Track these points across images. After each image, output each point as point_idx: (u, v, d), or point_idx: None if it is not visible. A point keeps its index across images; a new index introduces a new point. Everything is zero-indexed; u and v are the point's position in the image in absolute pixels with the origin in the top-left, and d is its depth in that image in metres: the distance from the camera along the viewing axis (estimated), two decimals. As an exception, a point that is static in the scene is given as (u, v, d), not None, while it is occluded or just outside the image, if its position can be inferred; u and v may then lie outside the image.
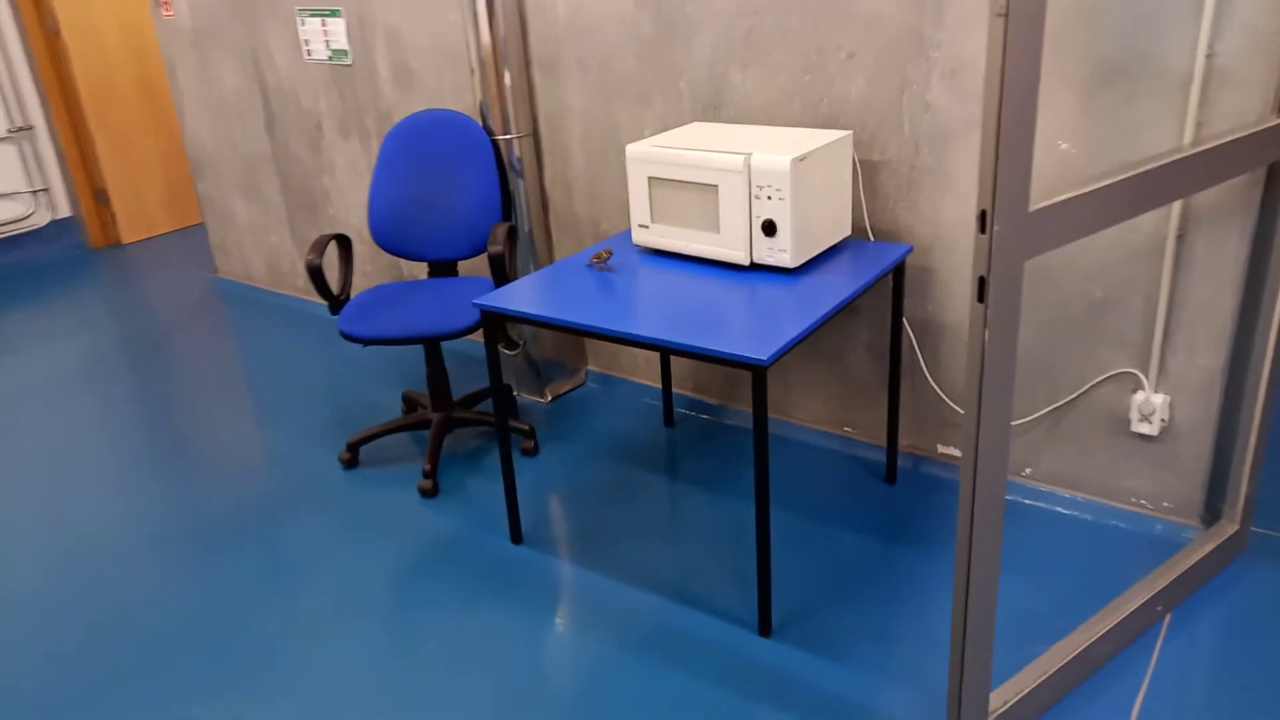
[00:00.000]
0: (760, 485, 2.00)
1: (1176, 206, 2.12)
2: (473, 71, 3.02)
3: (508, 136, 3.09)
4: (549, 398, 3.31)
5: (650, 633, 2.18)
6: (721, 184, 2.26)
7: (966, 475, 1.54)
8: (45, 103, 5.40)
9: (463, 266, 3.61)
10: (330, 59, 3.69)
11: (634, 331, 2.03)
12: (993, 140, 1.32)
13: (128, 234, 5.69)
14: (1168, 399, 2.28)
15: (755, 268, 2.33)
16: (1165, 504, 2.38)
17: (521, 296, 2.29)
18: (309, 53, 3.76)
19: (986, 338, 1.42)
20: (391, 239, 3.07)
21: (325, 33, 3.67)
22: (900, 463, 2.73)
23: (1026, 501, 2.52)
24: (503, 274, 2.75)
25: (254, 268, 4.62)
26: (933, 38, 2.30)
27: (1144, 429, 2.32)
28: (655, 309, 2.14)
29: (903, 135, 2.43)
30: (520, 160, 3.12)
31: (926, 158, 2.42)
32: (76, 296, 4.75)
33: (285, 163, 4.13)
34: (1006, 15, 1.25)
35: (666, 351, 2.01)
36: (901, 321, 2.55)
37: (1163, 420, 2.30)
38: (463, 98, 3.34)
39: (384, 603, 2.35)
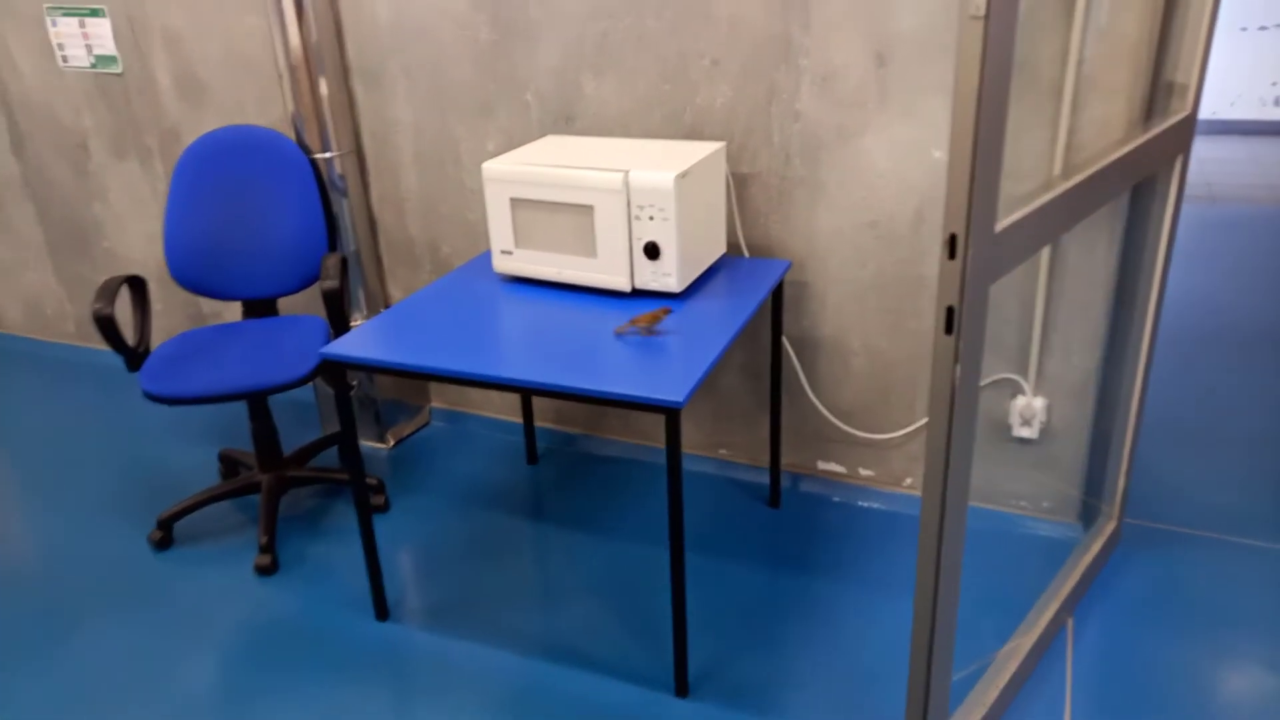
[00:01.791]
0: (675, 532, 1.81)
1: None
2: (280, 77, 2.65)
3: (328, 155, 2.74)
4: (391, 442, 2.98)
5: (555, 707, 1.95)
6: (598, 204, 2.06)
7: (931, 519, 1.43)
8: None
9: (284, 304, 3.19)
10: (94, 67, 3.16)
11: (527, 377, 1.79)
12: (967, 155, 1.20)
13: None
14: (1046, 402, 2.30)
15: (637, 294, 2.15)
16: (1045, 504, 2.41)
17: (375, 341, 1.99)
18: (65, 59, 3.20)
19: (957, 374, 1.31)
20: (195, 276, 2.64)
21: (85, 36, 3.13)
22: (781, 483, 2.64)
23: (909, 513, 2.49)
24: (339, 312, 2.42)
25: (6, 312, 3.93)
26: (801, 44, 2.21)
27: (1025, 433, 2.33)
28: (538, 347, 1.91)
29: (772, 146, 2.33)
30: (343, 180, 2.78)
31: (798, 168, 2.32)
32: None
33: (41, 188, 3.52)
34: (986, 18, 1.13)
35: (566, 397, 1.78)
36: (781, 339, 2.45)
37: (1042, 423, 2.32)
38: (267, 112, 2.94)
39: None
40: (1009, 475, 2.42)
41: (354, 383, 2.89)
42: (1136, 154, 1.73)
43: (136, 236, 3.41)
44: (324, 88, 2.67)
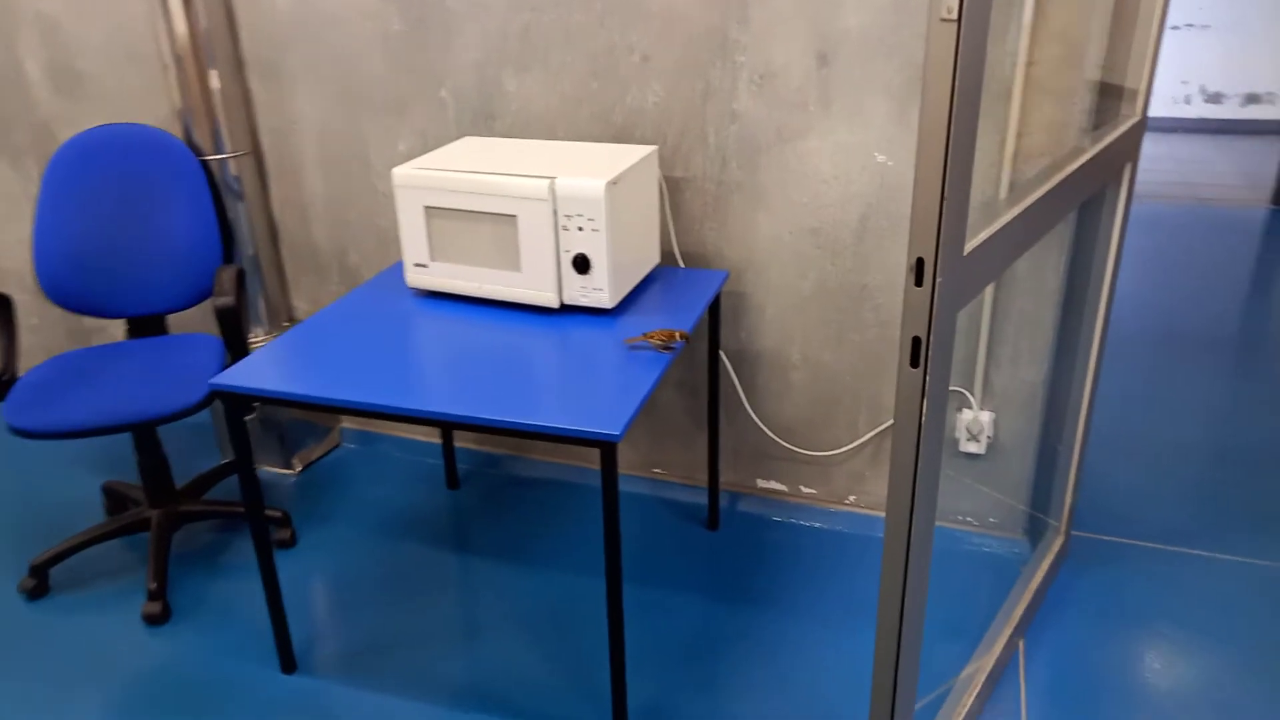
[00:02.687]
0: (611, 571, 1.66)
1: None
2: (166, 69, 2.40)
3: (221, 156, 2.50)
4: (298, 468, 2.75)
5: (485, 768, 1.78)
6: (521, 214, 1.89)
7: (895, 561, 1.30)
8: None
9: (176, 321, 2.93)
10: (-45, 56, 2.83)
11: (448, 410, 1.61)
12: (937, 170, 1.07)
13: None
14: (993, 415, 2.22)
15: (566, 310, 1.98)
16: (991, 520, 2.33)
17: (274, 368, 1.78)
18: (-78, 47, 2.87)
19: (925, 408, 1.18)
20: (71, 292, 2.37)
21: (-56, 22, 2.81)
22: (720, 503, 2.50)
23: (853, 532, 2.38)
24: (236, 331, 2.19)
25: None
26: (738, 40, 2.07)
27: (972, 448, 2.24)
28: (460, 373, 1.73)
29: (708, 148, 2.18)
30: (240, 183, 2.54)
31: (735, 172, 2.19)
32: None
33: (-102, 190, 3.16)
34: (959, 21, 1.00)
35: (492, 430, 1.61)
36: (719, 354, 2.32)
37: (989, 437, 2.23)
38: (153, 108, 2.67)
39: (114, 792, 1.75)
40: (956, 491, 2.33)
41: (254, 404, 2.65)
42: (1095, 161, 1.64)
43: (6, 244, 3.09)
44: (215, 81, 2.43)
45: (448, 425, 1.62)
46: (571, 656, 2.02)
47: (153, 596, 2.17)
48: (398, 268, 2.25)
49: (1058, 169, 1.52)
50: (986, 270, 1.29)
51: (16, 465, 2.79)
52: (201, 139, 2.47)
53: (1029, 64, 1.91)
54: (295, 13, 2.40)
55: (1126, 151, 1.83)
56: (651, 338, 1.78)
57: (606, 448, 1.55)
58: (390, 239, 2.59)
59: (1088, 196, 1.71)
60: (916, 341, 1.15)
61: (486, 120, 2.35)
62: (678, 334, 1.77)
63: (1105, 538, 2.33)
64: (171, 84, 2.41)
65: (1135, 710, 1.84)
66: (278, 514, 2.42)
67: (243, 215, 2.58)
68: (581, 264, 1.89)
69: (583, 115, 2.26)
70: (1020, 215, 1.36)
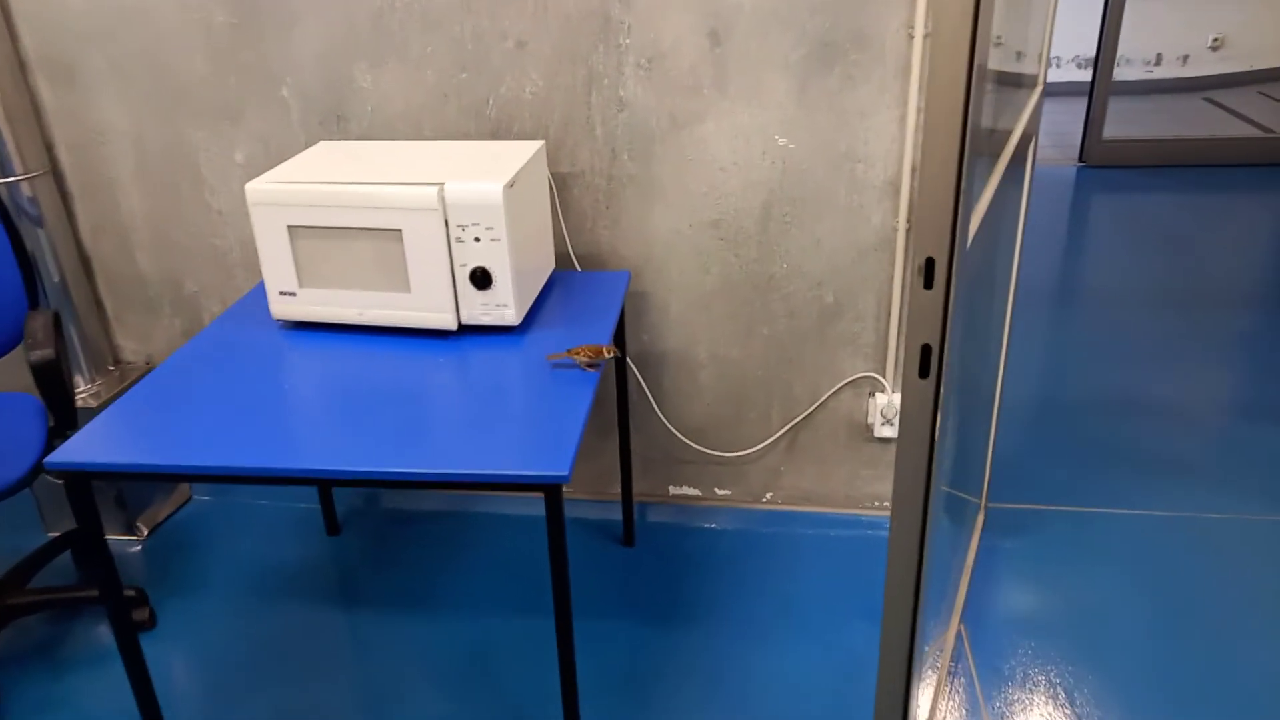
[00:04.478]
0: (562, 619, 1.48)
1: (904, 197, 1.98)
2: (-69, 83, 1.98)
3: (10, 178, 2.10)
4: (144, 532, 2.38)
5: None
6: (407, 227, 1.65)
7: (902, 603, 1.19)
8: None
9: (-41, 369, 2.47)
10: None
11: (348, 466, 1.37)
12: (951, 159, 0.95)
13: None
14: (906, 398, 2.17)
15: (465, 330, 1.76)
16: (909, 501, 2.30)
17: (126, 435, 1.48)
18: None
19: (938, 424, 1.07)
20: None
21: None
22: (633, 515, 2.36)
23: (773, 530, 2.29)
24: (59, 388, 1.83)
25: None
26: (621, 21, 1.90)
27: (887, 432, 2.20)
28: (350, 417, 1.49)
29: (595, 140, 2.01)
30: (37, 209, 2.15)
31: (627, 164, 2.03)
32: None
33: None
34: (983, -13, 0.88)
35: (402, 484, 1.38)
36: (625, 360, 2.16)
37: (904, 420, 2.19)
38: (-88, 123, 2.21)
39: None
40: (871, 476, 2.29)
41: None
42: (1026, 130, 1.60)
43: None
44: (-5, 90, 2.03)
45: (352, 484, 1.39)
46: (508, 708, 1.83)
47: (-16, 717, 1.80)
48: (255, 296, 1.95)
49: (999, 145, 1.46)
50: (978, 258, 1.20)
51: None
52: (-16, 159, 2.06)
53: (926, 34, 1.85)
54: (89, 6, 2.03)
55: (1036, 118, 1.81)
56: (577, 354, 1.60)
57: (552, 491, 1.36)
58: (231, 261, 2.26)
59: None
60: (926, 350, 1.04)
61: (338, 121, 2.08)
62: (605, 350, 1.60)
63: (1018, 506, 2.35)
64: (-63, 95, 2.00)
65: (1083, 675, 1.85)
66: (131, 592, 2.08)
67: (45, 246, 2.19)
68: (481, 278, 1.68)
69: (451, 110, 2.03)
70: (993, 198, 1.28)
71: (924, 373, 1.05)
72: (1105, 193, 4.61)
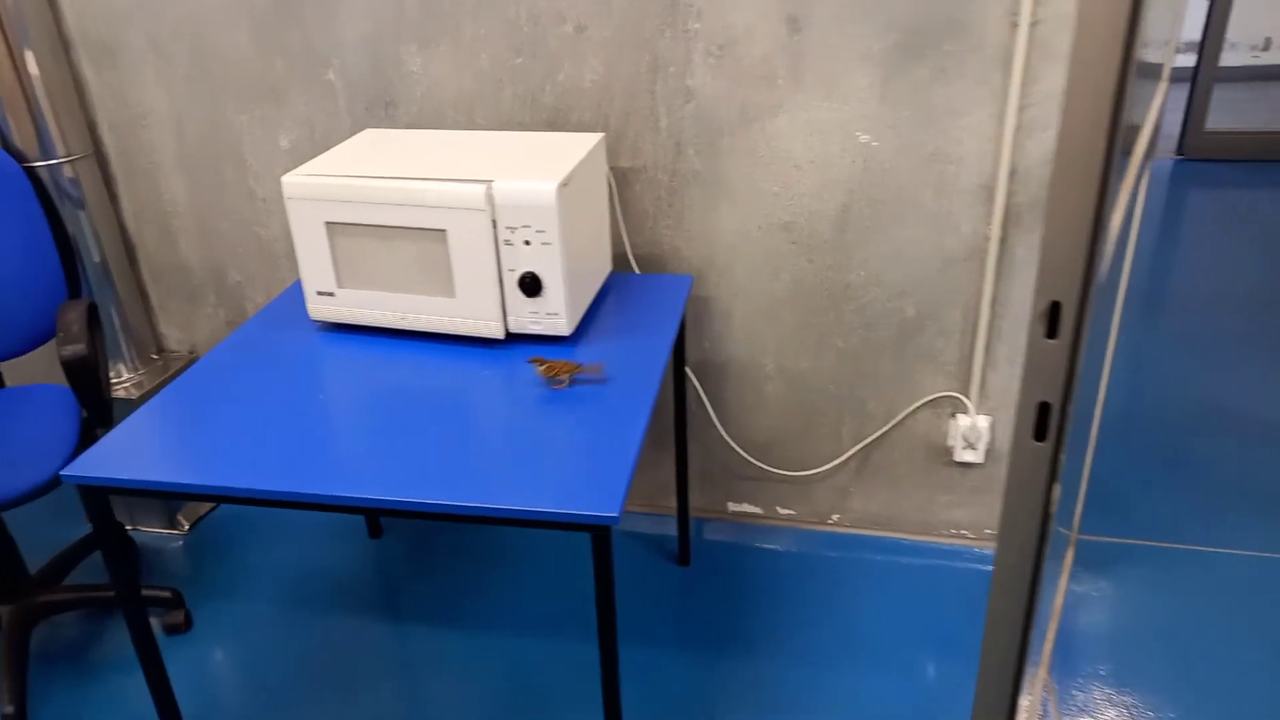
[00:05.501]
0: (608, 668, 1.35)
1: (999, 203, 1.79)
2: (-29, 62, 1.91)
3: (52, 161, 2.02)
4: (185, 526, 2.32)
5: None
6: (453, 228, 1.52)
7: (1002, 668, 1.03)
8: None
9: (10, 368, 2.42)
10: None
11: (384, 495, 1.25)
12: (1093, 180, 0.78)
13: None
14: (991, 420, 1.99)
15: (514, 340, 1.63)
16: (988, 531, 2.12)
17: (149, 447, 1.38)
18: None
19: (1055, 495, 0.91)
20: None
21: None
22: (689, 533, 2.21)
23: (839, 555, 2.13)
24: (91, 385, 1.75)
25: None
26: (690, 4, 1.74)
27: (968, 456, 2.02)
28: (393, 436, 1.37)
29: (659, 133, 1.86)
30: (79, 193, 2.07)
31: (692, 160, 1.87)
32: None
33: None
34: (1148, -25, 0.71)
35: (442, 517, 1.26)
36: (684, 370, 2.01)
37: (987, 445, 2.01)
38: (-42, 101, 2.15)
39: None
40: (947, 502, 2.11)
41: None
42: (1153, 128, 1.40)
43: None
44: (34, 67, 1.95)
45: (389, 514, 1.27)
46: (545, 746, 1.71)
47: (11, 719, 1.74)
48: (294, 291, 1.85)
49: (1129, 149, 1.27)
50: (1105, 295, 1.02)
51: None
52: (24, 141, 1.99)
53: (1033, 23, 1.65)
54: (134, -20, 1.94)
55: (1160, 116, 1.61)
56: (539, 363, 1.46)
57: (599, 534, 1.22)
58: (276, 252, 2.16)
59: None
60: (1045, 409, 0.87)
61: (386, 107, 1.96)
62: (592, 369, 1.47)
63: (1114, 540, 2.15)
64: (-21, 74, 1.92)
65: (1183, 747, 1.66)
66: (166, 593, 2.01)
67: (87, 230, 2.11)
68: (531, 285, 1.54)
69: (505, 98, 1.89)
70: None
71: (1040, 435, 0.89)
72: (1205, 188, 4.29)
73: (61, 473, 1.34)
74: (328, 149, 2.00)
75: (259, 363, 1.59)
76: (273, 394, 1.49)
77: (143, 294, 2.28)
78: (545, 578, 2.10)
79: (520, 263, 1.53)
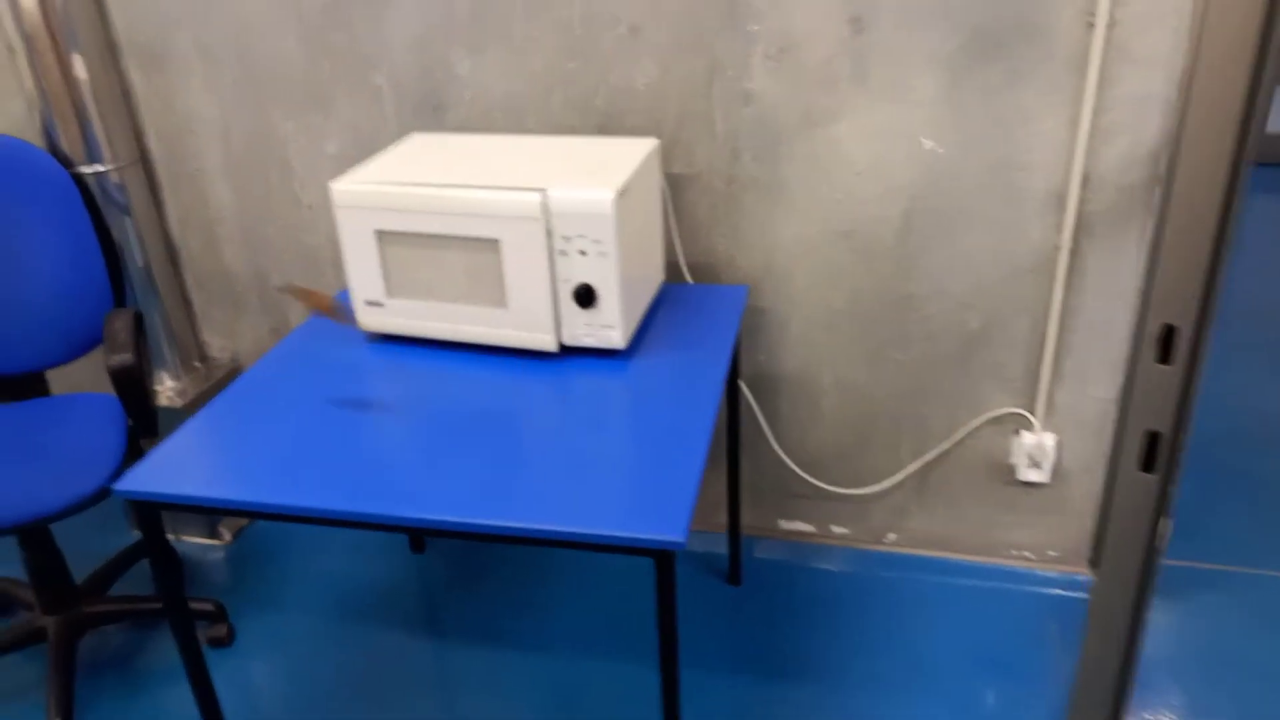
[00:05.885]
0: (669, 700, 1.29)
1: (1071, 212, 1.71)
2: (13, 55, 1.89)
3: (99, 167, 2.01)
4: (227, 537, 2.29)
5: None
6: (505, 237, 1.48)
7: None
8: None
9: (56, 375, 2.41)
10: None
11: (437, 516, 1.21)
12: (1218, 188, 0.72)
13: None
14: (1057, 438, 1.91)
15: (568, 352, 1.58)
16: (1051, 553, 2.04)
17: (198, 462, 1.35)
18: None
19: (1164, 529, 0.84)
20: (-85, 351, 1.87)
21: None
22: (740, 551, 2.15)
23: (895, 575, 2.06)
24: (140, 396, 1.73)
25: None
26: (751, 4, 1.68)
27: (1033, 476, 1.93)
28: (444, 453, 1.32)
29: (715, 138, 1.80)
30: (126, 199, 2.05)
31: (749, 165, 1.81)
32: None
33: None
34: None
35: (495, 538, 1.21)
36: (738, 383, 1.95)
37: (1053, 464, 1.93)
38: (5, 110, 2.15)
39: None
40: (1010, 522, 2.03)
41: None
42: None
43: None
44: (82, 71, 1.93)
45: (431, 533, 1.23)
46: (594, 772, 1.66)
47: (55, 737, 1.72)
48: (341, 300, 1.81)
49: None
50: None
51: None
52: (70, 146, 1.97)
53: (1110, 24, 1.57)
54: (182, -16, 1.92)
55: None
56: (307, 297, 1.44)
57: (663, 558, 1.17)
58: (322, 259, 2.13)
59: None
60: (1154, 439, 0.81)
61: (434, 111, 1.92)
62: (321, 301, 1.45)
63: (1193, 564, 2.06)
64: (24, 79, 1.91)
65: (1269, 788, 1.57)
66: (209, 606, 1.98)
67: (132, 237, 2.10)
68: (585, 296, 1.49)
69: (556, 102, 1.85)
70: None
71: (1148, 465, 0.82)
72: (1270, 194, 4.15)
73: (114, 487, 1.31)
74: (374, 154, 1.97)
75: (306, 375, 1.55)
76: (320, 407, 1.45)
77: (186, 301, 2.26)
78: (593, 595, 2.04)
79: (575, 273, 1.48)
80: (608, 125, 1.84)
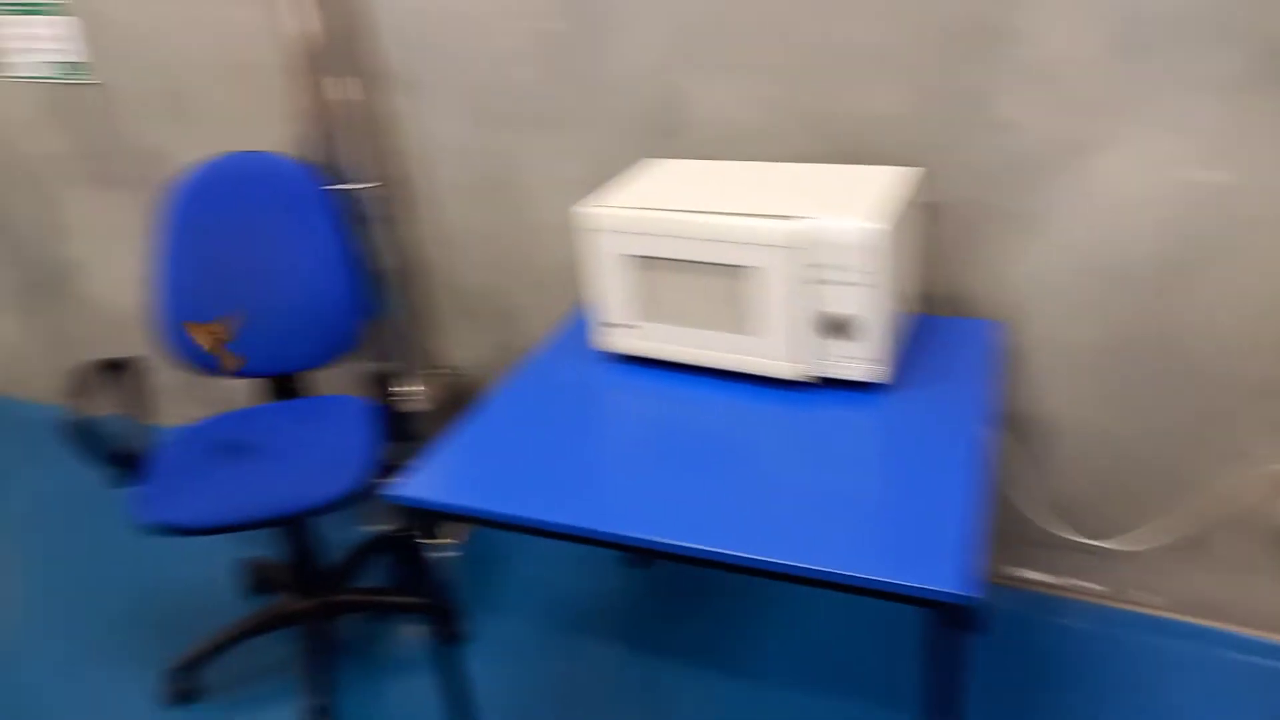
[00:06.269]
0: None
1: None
2: (285, 84, 2.06)
3: (355, 185, 2.15)
4: (462, 538, 2.40)
5: None
6: (761, 265, 1.48)
7: None
8: None
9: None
10: (48, 77, 2.55)
11: (717, 548, 1.22)
12: None
13: None
14: (1339, 494, 1.74)
15: (816, 383, 1.57)
16: (1327, 619, 1.86)
17: (470, 476, 1.41)
18: (7, 68, 2.59)
19: None
20: (195, 348, 2.05)
21: (35, 39, 2.52)
22: (957, 587, 2.07)
23: (1146, 640, 1.92)
24: (393, 401, 1.84)
25: (-30, 369, 3.34)
26: (1011, 26, 1.62)
27: (1307, 535, 1.77)
28: (687, 477, 1.34)
29: (968, 167, 1.75)
30: (381, 217, 2.19)
31: (1003, 196, 1.74)
32: None
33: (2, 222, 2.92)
34: None
35: (770, 575, 1.21)
36: (975, 418, 1.88)
37: (1332, 521, 1.76)
38: (267, 129, 2.33)
39: None
40: None
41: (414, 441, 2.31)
42: None
43: (116, 279, 2.81)
44: (350, 95, 2.08)
45: (680, 559, 1.24)
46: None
47: (316, 714, 1.85)
48: (579, 320, 1.87)
49: None
50: None
51: (133, 537, 2.50)
52: (334, 164, 2.12)
53: None
54: (428, 12, 2.03)
55: None
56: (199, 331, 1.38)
57: (949, 613, 1.13)
58: (553, 280, 2.21)
59: None
60: None
61: (665, 137, 1.95)
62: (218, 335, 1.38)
63: None
64: (294, 97, 2.07)
65: None
66: (446, 604, 2.08)
67: (384, 252, 2.23)
68: (843, 328, 1.47)
69: (792, 130, 1.84)
70: None
71: None
72: None
73: (384, 491, 1.39)
74: (606, 177, 2.02)
75: (553, 393, 1.61)
76: (569, 425, 1.50)
77: (427, 313, 2.39)
78: (813, 627, 2.02)
79: (833, 304, 1.47)
80: (848, 152, 1.82)
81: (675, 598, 2.13)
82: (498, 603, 2.16)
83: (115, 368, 1.90)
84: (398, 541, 1.46)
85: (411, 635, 2.08)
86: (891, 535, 1.20)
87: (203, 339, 1.80)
